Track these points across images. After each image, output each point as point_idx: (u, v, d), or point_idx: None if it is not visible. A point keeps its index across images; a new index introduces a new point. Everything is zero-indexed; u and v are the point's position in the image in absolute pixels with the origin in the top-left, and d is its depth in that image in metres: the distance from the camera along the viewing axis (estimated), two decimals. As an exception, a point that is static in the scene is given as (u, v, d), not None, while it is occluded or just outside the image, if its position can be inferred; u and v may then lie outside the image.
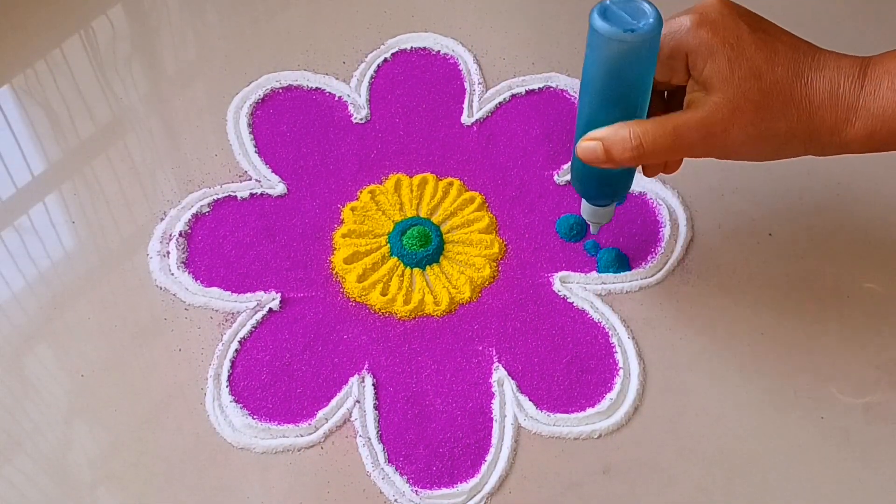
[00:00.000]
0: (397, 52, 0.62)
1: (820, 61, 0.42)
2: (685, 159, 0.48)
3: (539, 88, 0.60)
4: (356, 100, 0.59)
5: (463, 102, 0.59)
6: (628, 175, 0.48)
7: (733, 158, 0.44)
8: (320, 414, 0.48)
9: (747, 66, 0.41)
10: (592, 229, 0.52)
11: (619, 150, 0.43)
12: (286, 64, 0.61)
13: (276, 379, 0.49)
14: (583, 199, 0.50)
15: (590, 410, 0.48)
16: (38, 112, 0.59)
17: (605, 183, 0.48)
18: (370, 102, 0.59)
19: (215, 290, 0.51)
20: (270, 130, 0.58)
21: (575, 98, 0.59)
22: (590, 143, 0.44)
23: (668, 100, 0.48)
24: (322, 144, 0.57)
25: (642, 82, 0.43)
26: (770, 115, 0.42)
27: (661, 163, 0.48)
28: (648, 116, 0.45)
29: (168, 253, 0.53)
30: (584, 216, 0.51)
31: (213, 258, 0.53)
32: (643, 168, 0.49)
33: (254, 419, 0.47)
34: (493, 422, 0.48)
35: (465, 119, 0.59)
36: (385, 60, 0.61)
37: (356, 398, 0.48)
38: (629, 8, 0.41)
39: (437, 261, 0.53)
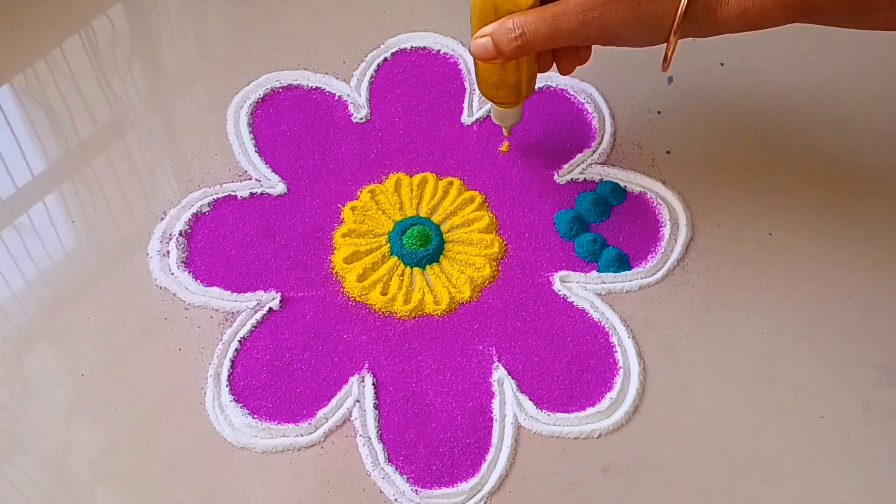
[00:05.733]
0: (397, 51, 0.62)
1: None
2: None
3: (539, 88, 0.60)
4: (356, 99, 0.59)
5: (463, 102, 0.59)
6: (529, 73, 0.50)
7: (615, 44, 0.46)
8: (320, 413, 0.48)
9: None
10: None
11: (505, 41, 0.46)
12: (286, 63, 0.61)
13: (276, 378, 0.49)
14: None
15: (590, 410, 0.48)
16: (38, 112, 0.59)
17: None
18: (370, 102, 0.59)
19: (215, 290, 0.51)
20: (270, 130, 0.58)
21: (574, 97, 0.59)
22: (480, 41, 0.47)
23: None
24: (322, 144, 0.57)
25: None
26: None
27: (570, 56, 0.50)
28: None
29: (168, 252, 0.53)
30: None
31: (213, 258, 0.53)
32: (557, 65, 0.51)
33: (254, 419, 0.47)
34: (493, 421, 0.48)
35: (466, 118, 0.59)
36: (385, 60, 0.61)
37: (356, 398, 0.48)
38: None
39: (437, 260, 0.53)
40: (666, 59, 0.46)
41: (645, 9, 0.44)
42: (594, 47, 0.50)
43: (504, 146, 0.57)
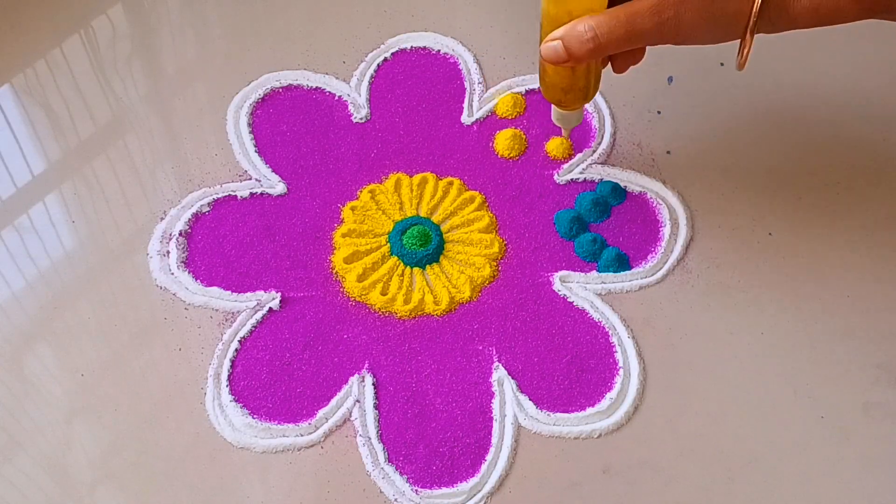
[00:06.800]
0: (397, 51, 0.62)
1: None
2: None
3: (537, 89, 0.59)
4: (356, 99, 0.59)
5: (463, 102, 0.59)
6: (596, 75, 0.50)
7: (686, 43, 0.45)
8: (320, 413, 0.48)
9: None
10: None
11: (577, 45, 0.45)
12: (286, 64, 0.61)
13: (276, 378, 0.49)
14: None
15: (590, 410, 0.48)
16: (38, 112, 0.59)
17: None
18: (370, 102, 0.59)
19: (215, 290, 0.51)
20: (270, 130, 0.58)
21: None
22: (551, 44, 0.46)
23: None
24: (322, 144, 0.57)
25: None
26: None
27: (626, 56, 0.50)
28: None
29: (168, 252, 0.53)
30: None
31: (213, 258, 0.53)
32: (612, 65, 0.51)
33: (254, 419, 0.47)
34: (494, 421, 0.48)
35: (466, 118, 0.59)
36: (385, 60, 0.61)
37: (356, 398, 0.48)
38: None
39: (437, 260, 0.53)
40: (742, 57, 0.45)
41: (719, 7, 0.43)
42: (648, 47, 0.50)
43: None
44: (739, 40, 0.45)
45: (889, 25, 0.45)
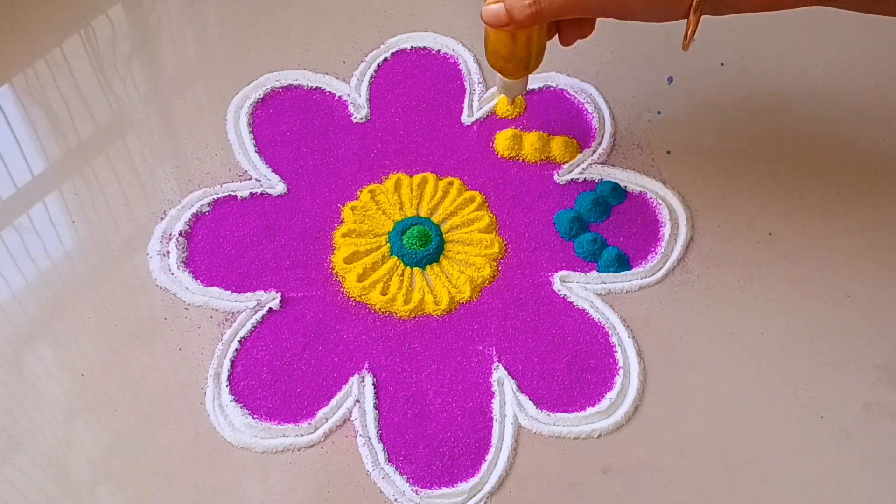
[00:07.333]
0: (397, 51, 0.62)
1: None
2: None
3: (539, 88, 0.60)
4: (356, 99, 0.59)
5: (463, 102, 0.59)
6: (538, 47, 0.49)
7: (629, 18, 0.45)
8: (320, 413, 0.48)
9: None
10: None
11: (518, 8, 0.44)
12: (286, 63, 0.61)
13: (276, 378, 0.49)
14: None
15: (590, 410, 0.48)
16: (38, 112, 0.59)
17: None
18: (370, 102, 0.59)
19: (215, 290, 0.51)
20: (270, 130, 0.58)
21: (574, 97, 0.59)
22: (492, 7, 0.45)
23: None
24: (322, 144, 0.57)
25: None
26: None
27: (573, 28, 0.49)
28: None
29: (168, 252, 0.53)
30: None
31: (213, 258, 0.53)
32: (559, 36, 0.50)
33: (254, 419, 0.47)
34: (494, 421, 0.48)
35: (466, 118, 0.59)
36: (385, 60, 0.61)
37: (356, 398, 0.48)
38: None
39: (437, 260, 0.53)
40: (686, 38, 0.45)
41: None
42: (598, 26, 0.49)
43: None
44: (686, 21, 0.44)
45: (889, 25, 0.45)
